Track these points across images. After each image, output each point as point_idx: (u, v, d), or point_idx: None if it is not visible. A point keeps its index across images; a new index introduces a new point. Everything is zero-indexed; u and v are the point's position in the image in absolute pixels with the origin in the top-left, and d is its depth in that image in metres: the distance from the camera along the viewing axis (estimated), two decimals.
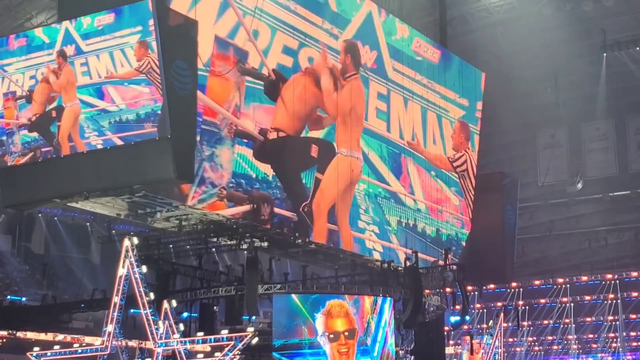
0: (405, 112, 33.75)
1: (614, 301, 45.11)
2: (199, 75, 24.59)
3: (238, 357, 23.47)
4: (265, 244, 26.75)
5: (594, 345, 45.82)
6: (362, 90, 31.07)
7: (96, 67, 23.12)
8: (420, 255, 31.48)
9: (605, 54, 42.65)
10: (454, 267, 31.85)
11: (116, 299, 23.75)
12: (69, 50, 23.36)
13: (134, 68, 22.37)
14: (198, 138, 24.76)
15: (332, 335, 26.77)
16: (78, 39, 23.20)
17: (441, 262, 32.07)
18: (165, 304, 23.93)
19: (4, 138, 24.57)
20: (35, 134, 24.22)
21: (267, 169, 27.26)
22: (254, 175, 26.76)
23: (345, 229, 29.95)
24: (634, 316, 45.06)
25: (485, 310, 46.19)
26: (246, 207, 26.18)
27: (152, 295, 23.86)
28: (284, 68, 28.05)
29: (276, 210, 27.25)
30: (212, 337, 24.13)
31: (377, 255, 31.10)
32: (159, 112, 22.09)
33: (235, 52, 26.19)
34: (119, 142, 22.69)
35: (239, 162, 26.28)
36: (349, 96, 30.27)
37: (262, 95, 27.24)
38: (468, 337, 35.74)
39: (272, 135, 27.58)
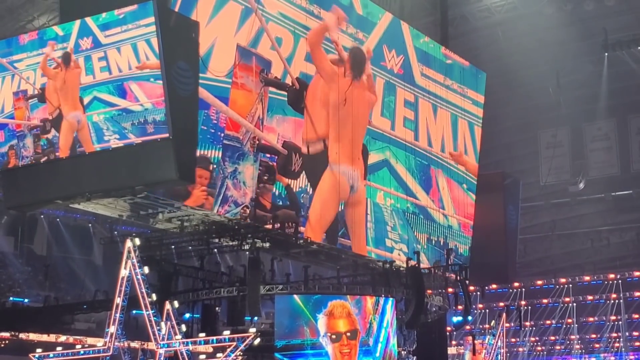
0: (435, 121, 32.65)
1: (617, 301, 45.08)
2: (222, 87, 24.20)
3: (240, 357, 23.49)
4: (267, 244, 26.72)
5: (597, 345, 45.79)
6: (356, 98, 29.21)
7: (117, 61, 21.37)
8: None
9: (606, 54, 42.59)
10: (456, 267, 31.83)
11: (118, 300, 23.74)
12: (85, 43, 21.69)
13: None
14: (220, 154, 24.27)
15: (334, 336, 26.74)
16: (96, 30, 21.37)
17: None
18: (168, 305, 23.92)
19: (15, 141, 23.43)
20: (49, 136, 23.04)
21: (291, 186, 26.76)
22: (277, 193, 26.35)
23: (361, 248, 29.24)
24: (636, 316, 45.01)
25: (487, 310, 46.17)
26: (269, 227, 25.80)
27: (154, 296, 23.85)
28: (307, 77, 27.27)
29: (302, 229, 27.03)
30: (214, 338, 24.10)
31: None
32: None
33: (258, 62, 25.51)
34: None
35: None
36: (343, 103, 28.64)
37: (285, 106, 26.50)
38: (470, 338, 35.67)
39: (314, 149, 27.04)
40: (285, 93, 26.64)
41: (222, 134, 24.46)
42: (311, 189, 27.51)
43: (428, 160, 32.28)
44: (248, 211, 25.20)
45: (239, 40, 25.05)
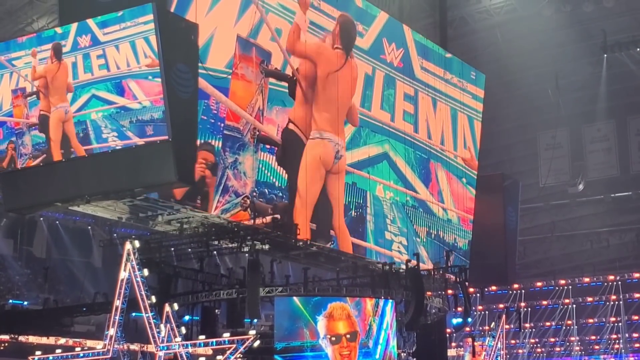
0: (434, 115, 32.62)
1: (616, 302, 45.14)
2: (223, 78, 24.21)
3: None
4: (267, 246, 26.71)
5: (597, 347, 45.84)
6: (345, 71, 28.73)
7: (115, 59, 21.35)
8: None
9: (605, 55, 42.61)
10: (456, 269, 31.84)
11: (118, 303, 23.70)
12: (83, 41, 21.61)
13: None
14: (220, 144, 24.30)
15: (333, 338, 26.75)
16: (95, 28, 21.34)
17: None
18: (167, 307, 23.91)
19: (13, 139, 23.30)
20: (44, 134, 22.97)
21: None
22: (277, 184, 26.31)
23: (343, 233, 28.84)
24: (636, 317, 45.07)
25: (487, 312, 46.21)
26: (269, 218, 25.77)
27: (153, 299, 23.82)
28: None
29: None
30: (214, 340, 24.12)
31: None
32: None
33: (257, 53, 25.53)
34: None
35: (262, 169, 25.72)
36: (326, 67, 28.02)
37: (285, 97, 26.56)
38: (470, 339, 35.71)
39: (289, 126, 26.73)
40: (285, 84, 26.67)
41: (222, 124, 24.50)
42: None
43: (427, 154, 32.25)
44: (248, 201, 25.16)
45: (238, 31, 25.00)
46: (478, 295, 40.59)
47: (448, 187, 33.15)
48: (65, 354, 25.23)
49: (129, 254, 23.78)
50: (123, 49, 21.18)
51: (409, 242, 30.79)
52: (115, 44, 21.23)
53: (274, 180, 26.28)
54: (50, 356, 25.34)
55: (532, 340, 46.78)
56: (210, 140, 24.22)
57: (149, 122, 21.10)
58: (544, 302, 46.69)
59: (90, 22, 21.48)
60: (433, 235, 32.11)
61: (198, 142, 23.20)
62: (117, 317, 23.72)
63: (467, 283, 31.82)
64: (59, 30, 22.51)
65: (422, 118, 32.19)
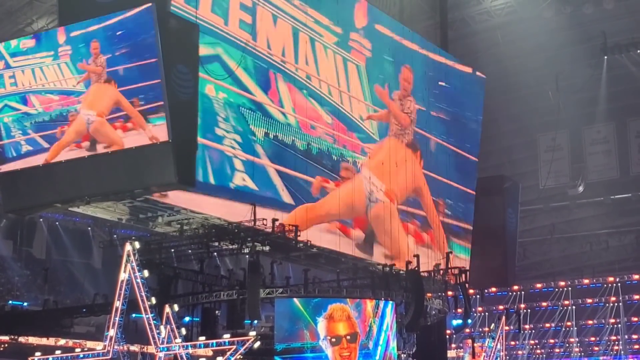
0: (275, 29, 31.23)
1: (616, 304, 45.22)
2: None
3: None
4: (267, 247, 26.72)
5: (596, 348, 45.95)
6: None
7: (21, 79, 25.83)
8: None
9: (605, 57, 42.67)
10: (456, 270, 31.88)
11: (118, 304, 23.71)
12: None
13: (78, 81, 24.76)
14: None
15: (334, 339, 26.76)
16: (7, 57, 26.04)
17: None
18: (167, 309, 23.90)
19: None
20: None
21: None
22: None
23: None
24: (635, 319, 45.18)
25: (487, 313, 46.28)
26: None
27: (153, 300, 23.83)
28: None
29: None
30: (214, 341, 24.15)
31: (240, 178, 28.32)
32: (65, 114, 24.60)
33: None
34: (40, 140, 24.81)
35: None
36: None
37: None
38: (470, 341, 35.80)
39: None
40: None
41: None
42: None
43: (267, 64, 30.56)
44: None
45: None
46: (478, 296, 40.66)
47: (289, 95, 31.66)
48: (65, 355, 25.26)
49: (129, 255, 23.79)
50: (26, 72, 25.84)
51: (244, 140, 29.03)
52: (21, 69, 25.92)
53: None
54: (50, 357, 25.34)
55: (532, 342, 46.86)
56: None
57: (42, 123, 25.22)
58: (544, 304, 46.77)
59: (4, 52, 25.97)
60: (271, 136, 30.70)
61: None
62: (117, 318, 23.72)
63: (467, 284, 31.83)
64: None
65: (262, 30, 30.52)
